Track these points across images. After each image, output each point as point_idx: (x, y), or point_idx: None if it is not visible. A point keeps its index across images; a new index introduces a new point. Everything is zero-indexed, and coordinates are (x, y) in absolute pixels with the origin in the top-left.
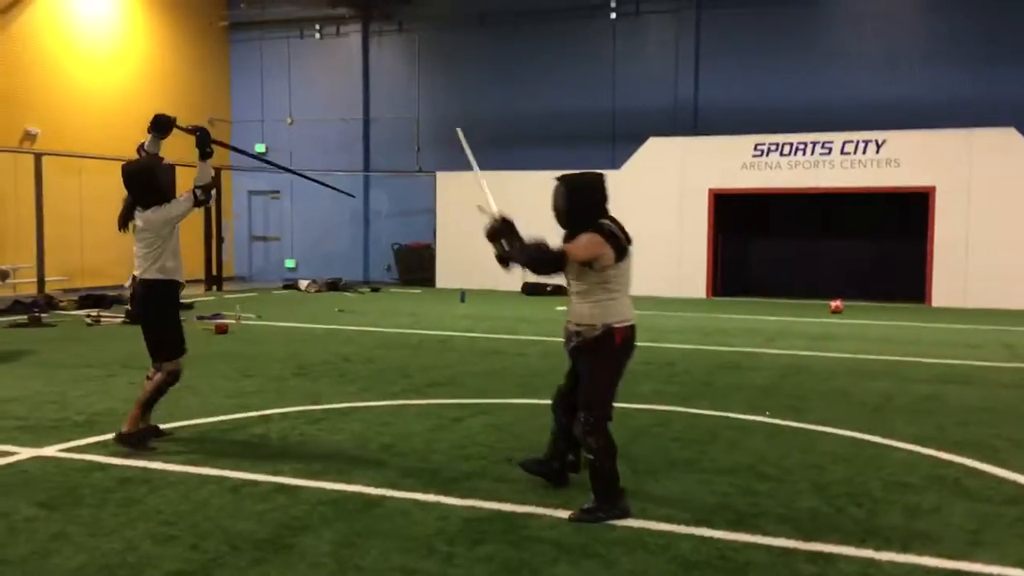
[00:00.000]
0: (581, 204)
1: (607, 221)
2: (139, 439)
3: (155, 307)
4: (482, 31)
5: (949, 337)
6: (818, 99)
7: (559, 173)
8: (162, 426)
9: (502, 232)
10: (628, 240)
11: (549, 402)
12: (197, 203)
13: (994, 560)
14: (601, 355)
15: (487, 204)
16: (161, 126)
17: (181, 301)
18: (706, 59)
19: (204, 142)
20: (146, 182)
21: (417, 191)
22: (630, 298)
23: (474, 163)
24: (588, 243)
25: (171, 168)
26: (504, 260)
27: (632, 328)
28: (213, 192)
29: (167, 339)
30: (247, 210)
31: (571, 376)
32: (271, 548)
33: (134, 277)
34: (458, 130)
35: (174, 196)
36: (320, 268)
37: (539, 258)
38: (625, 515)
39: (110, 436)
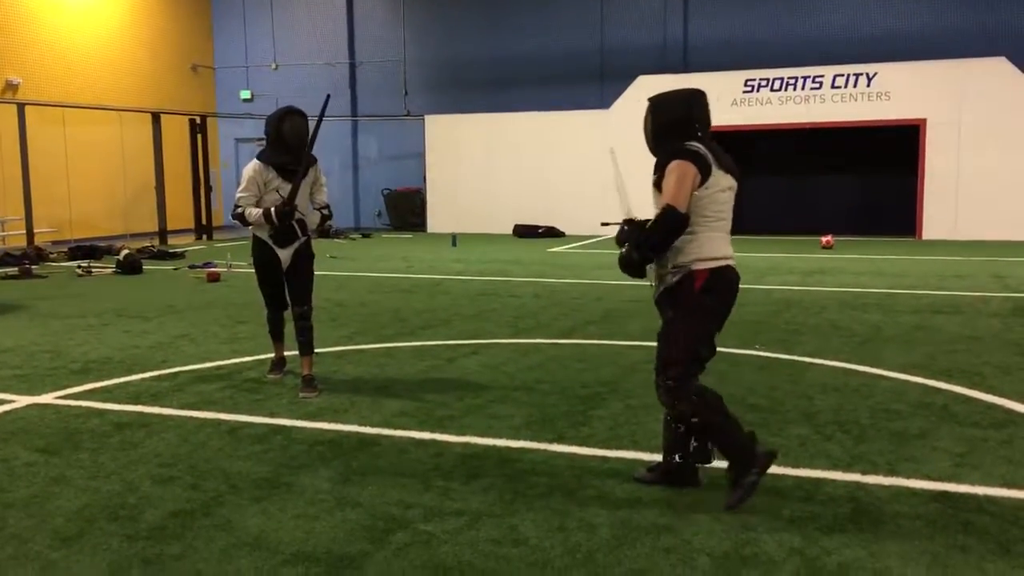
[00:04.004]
0: (662, 126)
1: (695, 144)
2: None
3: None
4: None
5: (938, 269)
6: (808, 33)
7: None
8: (159, 372)
9: (629, 235)
10: (728, 167)
11: (541, 341)
12: (237, 212)
13: (979, 481)
14: (681, 304)
15: (623, 203)
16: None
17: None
18: None
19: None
20: (267, 133)
21: (405, 136)
22: (727, 234)
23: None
24: (679, 177)
25: (300, 125)
26: (630, 265)
27: (724, 269)
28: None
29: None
30: (235, 158)
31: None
32: (269, 486)
33: None
34: (611, 149)
35: (296, 150)
36: None
37: (651, 240)
38: (772, 458)
39: (106, 383)
